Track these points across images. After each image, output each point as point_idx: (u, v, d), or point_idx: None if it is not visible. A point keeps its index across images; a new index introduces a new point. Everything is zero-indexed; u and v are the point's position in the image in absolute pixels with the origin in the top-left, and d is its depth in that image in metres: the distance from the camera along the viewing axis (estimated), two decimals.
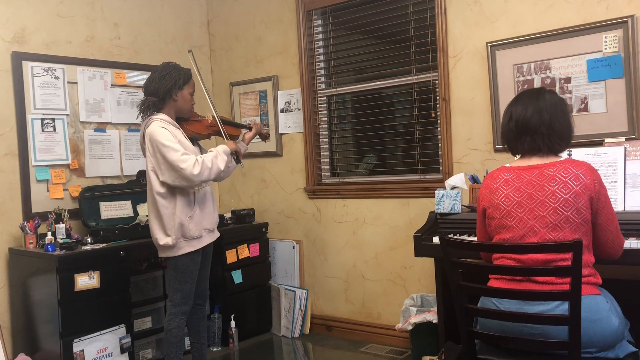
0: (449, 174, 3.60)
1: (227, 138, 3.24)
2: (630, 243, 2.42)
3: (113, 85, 4.19)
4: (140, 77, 4.28)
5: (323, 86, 4.34)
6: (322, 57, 4.33)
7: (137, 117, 3.14)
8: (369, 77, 4.13)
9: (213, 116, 3.28)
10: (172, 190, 2.99)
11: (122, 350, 3.51)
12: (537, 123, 2.17)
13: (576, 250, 1.89)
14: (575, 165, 2.10)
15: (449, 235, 2.65)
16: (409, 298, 3.69)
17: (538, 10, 3.28)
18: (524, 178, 2.15)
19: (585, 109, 3.14)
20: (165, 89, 3.04)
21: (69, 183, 3.92)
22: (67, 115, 3.93)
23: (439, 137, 3.73)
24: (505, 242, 2.15)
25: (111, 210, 3.92)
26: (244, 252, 4.20)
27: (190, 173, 2.87)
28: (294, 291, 4.30)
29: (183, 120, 3.18)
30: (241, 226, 4.29)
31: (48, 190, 3.82)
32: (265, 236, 4.39)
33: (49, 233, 3.52)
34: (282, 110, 4.48)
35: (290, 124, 4.44)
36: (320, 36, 4.33)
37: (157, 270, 3.86)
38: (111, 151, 4.15)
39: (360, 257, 4.12)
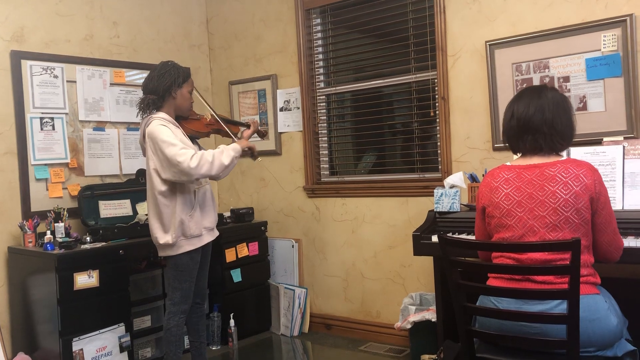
0: (448, 172, 3.60)
1: (231, 135, 3.25)
2: (629, 242, 2.43)
3: (112, 84, 4.18)
4: (139, 76, 4.27)
5: (322, 85, 4.34)
6: (321, 56, 4.33)
7: (137, 115, 3.14)
8: (368, 76, 4.13)
9: (212, 114, 3.29)
10: (173, 189, 2.99)
11: (122, 349, 3.51)
12: (539, 122, 2.16)
13: (574, 249, 1.89)
14: (576, 165, 2.09)
15: (448, 234, 2.65)
16: (408, 297, 3.69)
17: (537, 9, 3.28)
18: (525, 177, 2.14)
19: (584, 107, 3.14)
20: (164, 87, 3.04)
21: (68, 182, 3.92)
22: (66, 114, 3.93)
23: (438, 136, 3.73)
24: (503, 241, 2.15)
25: (110, 209, 3.92)
26: (243, 250, 4.20)
27: (188, 166, 2.86)
28: (293, 290, 4.30)
29: (182, 118, 3.19)
30: (240, 225, 4.29)
31: (47, 189, 3.82)
32: (265, 235, 4.39)
33: (48, 232, 3.52)
34: (281, 109, 4.48)
35: (290, 122, 4.44)
36: (319, 35, 4.33)
37: (157, 269, 3.86)
38: (110, 150, 4.15)
39: (359, 256, 4.13)
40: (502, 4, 3.40)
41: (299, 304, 4.28)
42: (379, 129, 4.13)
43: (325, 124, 4.36)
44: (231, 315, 4.08)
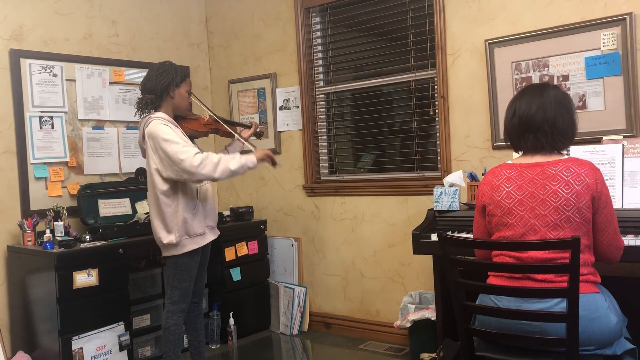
0: (448, 171, 3.60)
1: (228, 134, 3.25)
2: (628, 240, 2.43)
3: (111, 83, 4.18)
4: (139, 75, 4.27)
5: (321, 84, 4.34)
6: (320, 55, 4.33)
7: (135, 115, 3.14)
8: (367, 74, 4.13)
9: (210, 115, 3.29)
10: (175, 188, 2.99)
11: (121, 348, 3.51)
12: (540, 120, 2.15)
13: (574, 247, 1.89)
14: (578, 164, 2.09)
15: (447, 233, 2.65)
16: (408, 295, 3.69)
17: (537, 8, 3.28)
18: (526, 176, 2.14)
19: (583, 106, 3.14)
20: (162, 87, 3.03)
21: (67, 181, 3.92)
22: (66, 112, 3.92)
23: (438, 134, 3.73)
24: (503, 240, 2.15)
25: (110, 207, 3.92)
26: (243, 249, 4.20)
27: (190, 164, 2.86)
28: (293, 289, 4.30)
29: (180, 118, 3.18)
30: (240, 224, 4.29)
31: (46, 188, 3.82)
32: (264, 234, 4.39)
33: (48, 231, 3.51)
34: (280, 108, 4.48)
35: (289, 121, 4.44)
36: (318, 33, 4.33)
37: (156, 267, 3.86)
38: (109, 149, 4.15)
39: (358, 255, 4.13)
40: (502, 3, 3.40)
41: (299, 302, 4.28)
42: (379, 127, 4.13)
43: (325, 123, 4.36)
44: (231, 314, 4.08)
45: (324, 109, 4.35)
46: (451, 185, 3.17)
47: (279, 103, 4.48)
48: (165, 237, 3.00)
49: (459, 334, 2.15)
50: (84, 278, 3.36)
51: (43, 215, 3.65)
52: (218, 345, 4.07)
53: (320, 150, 4.37)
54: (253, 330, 4.29)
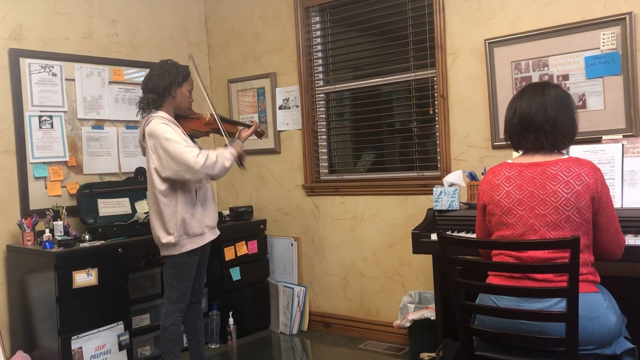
0: (447, 171, 3.60)
1: (226, 136, 3.24)
2: (628, 240, 2.42)
3: (111, 82, 4.18)
4: (138, 74, 4.27)
5: (321, 83, 4.34)
6: (320, 54, 4.33)
7: (137, 114, 3.14)
8: (367, 74, 4.13)
9: (211, 114, 3.28)
10: (174, 188, 2.99)
11: (120, 348, 3.51)
12: (541, 120, 2.14)
13: (574, 247, 1.89)
14: (578, 164, 2.08)
15: (447, 232, 2.65)
16: (407, 295, 3.69)
17: (536, 7, 3.28)
18: (526, 175, 2.13)
19: (583, 106, 3.14)
20: (164, 86, 3.03)
21: (66, 180, 3.92)
22: (65, 112, 3.92)
23: (437, 134, 3.73)
24: (502, 239, 2.15)
25: (109, 207, 3.92)
26: (242, 249, 4.20)
27: (195, 163, 2.87)
28: (292, 288, 4.30)
29: (182, 117, 3.18)
30: (239, 223, 4.29)
31: (46, 188, 3.81)
32: (264, 233, 4.39)
33: (47, 230, 3.51)
34: (280, 107, 4.48)
35: (289, 121, 4.44)
36: (318, 33, 4.33)
37: (156, 267, 3.86)
38: (109, 148, 4.15)
39: (358, 254, 4.13)
40: (502, 2, 3.40)
41: (298, 302, 4.28)
42: (378, 127, 4.13)
43: (325, 122, 4.36)
44: (230, 313, 4.08)
45: (323, 109, 4.35)
46: (451, 185, 3.17)
47: (279, 102, 4.48)
48: (164, 236, 3.00)
49: (459, 333, 2.15)
50: (84, 278, 3.35)
51: (42, 214, 3.65)
52: (217, 345, 4.06)
53: (320, 150, 4.37)
54: (252, 329, 4.29)
